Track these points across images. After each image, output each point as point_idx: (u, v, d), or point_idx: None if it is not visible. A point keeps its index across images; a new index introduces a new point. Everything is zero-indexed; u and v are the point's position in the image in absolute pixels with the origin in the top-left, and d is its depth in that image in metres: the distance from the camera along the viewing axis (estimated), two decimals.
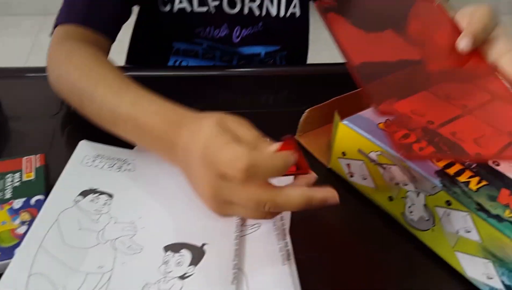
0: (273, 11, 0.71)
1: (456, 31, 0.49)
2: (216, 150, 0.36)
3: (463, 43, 0.46)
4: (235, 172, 0.34)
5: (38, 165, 0.48)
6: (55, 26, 0.60)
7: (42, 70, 0.58)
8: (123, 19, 0.65)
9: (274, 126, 0.43)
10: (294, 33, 0.76)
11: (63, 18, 0.60)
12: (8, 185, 0.45)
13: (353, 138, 0.48)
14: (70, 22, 0.59)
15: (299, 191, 0.37)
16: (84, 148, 0.50)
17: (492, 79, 0.47)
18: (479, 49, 0.48)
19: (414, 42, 0.51)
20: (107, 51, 0.62)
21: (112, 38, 0.63)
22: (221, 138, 0.36)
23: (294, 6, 0.72)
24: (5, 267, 0.38)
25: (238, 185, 0.35)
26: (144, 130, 0.45)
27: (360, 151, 0.48)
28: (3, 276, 0.37)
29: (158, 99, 0.46)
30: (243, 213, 0.38)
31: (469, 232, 0.40)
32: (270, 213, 0.38)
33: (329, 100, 0.56)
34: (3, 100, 0.59)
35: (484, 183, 0.42)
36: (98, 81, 0.50)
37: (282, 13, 0.71)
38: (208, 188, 0.37)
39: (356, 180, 0.50)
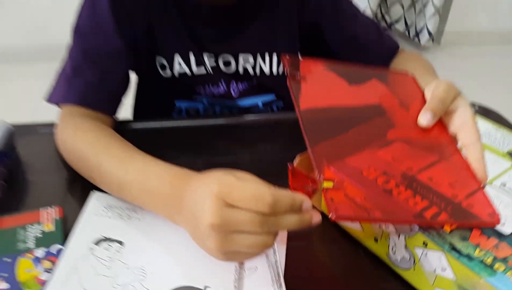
0: (266, 70, 0.77)
1: (423, 103, 0.56)
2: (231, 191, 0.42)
3: (423, 119, 0.54)
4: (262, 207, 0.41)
5: (56, 217, 0.53)
6: (54, 101, 0.65)
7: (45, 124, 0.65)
8: (122, 93, 0.70)
9: (270, 173, 0.48)
10: (287, 86, 0.82)
11: (65, 96, 0.64)
12: (31, 236, 0.50)
13: None
14: (71, 103, 0.64)
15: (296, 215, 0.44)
16: (96, 199, 0.55)
17: (452, 149, 0.54)
18: (441, 119, 0.55)
19: (382, 109, 0.58)
20: (110, 124, 0.66)
21: (113, 113, 0.68)
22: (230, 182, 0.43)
23: None
24: None
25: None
26: (149, 196, 0.50)
27: (345, 195, 0.53)
28: None
29: (161, 167, 0.51)
30: (247, 242, 0.43)
31: (444, 270, 0.45)
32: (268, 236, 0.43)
33: None
34: (21, 154, 0.64)
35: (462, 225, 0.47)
36: (103, 152, 0.55)
37: (274, 72, 0.77)
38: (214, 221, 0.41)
39: (345, 223, 0.55)
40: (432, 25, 2.81)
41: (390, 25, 3.09)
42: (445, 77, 0.59)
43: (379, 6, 3.03)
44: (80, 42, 0.66)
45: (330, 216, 0.42)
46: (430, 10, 2.76)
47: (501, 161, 0.58)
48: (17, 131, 0.64)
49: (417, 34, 2.91)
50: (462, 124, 0.53)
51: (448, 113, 0.55)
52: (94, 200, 0.55)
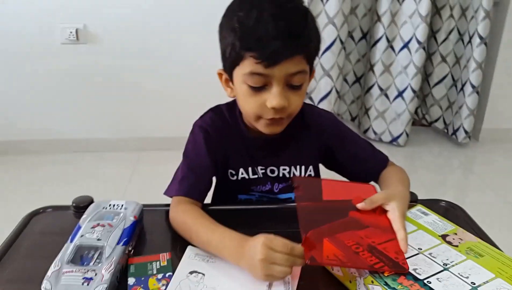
0: (297, 174, 1.17)
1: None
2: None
3: (359, 205, 0.93)
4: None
5: (168, 257, 0.93)
6: (170, 195, 1.09)
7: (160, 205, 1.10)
8: (208, 189, 1.13)
9: (295, 238, 0.86)
10: None
11: (176, 191, 1.08)
12: (154, 267, 0.91)
13: None
14: (180, 195, 1.07)
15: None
16: (190, 250, 0.96)
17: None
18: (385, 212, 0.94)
19: (353, 206, 0.96)
20: (200, 207, 1.08)
21: (202, 200, 1.10)
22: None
23: (310, 171, 1.18)
24: None
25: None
26: (225, 250, 0.90)
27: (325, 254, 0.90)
28: None
29: (231, 233, 0.91)
30: (279, 261, 0.81)
31: None
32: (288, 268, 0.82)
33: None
34: (145, 221, 1.07)
35: (392, 272, 0.82)
36: (198, 224, 0.97)
37: (303, 175, 1.17)
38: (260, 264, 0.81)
39: (334, 270, 0.91)
40: (467, 124, 3.12)
41: (430, 124, 3.43)
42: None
43: (419, 107, 3.40)
44: (186, 160, 1.12)
45: (308, 263, 0.80)
46: (465, 112, 3.09)
47: (434, 240, 0.93)
48: (146, 208, 1.07)
49: (454, 132, 3.22)
50: (393, 219, 0.91)
51: (388, 211, 0.93)
52: (189, 250, 0.96)
